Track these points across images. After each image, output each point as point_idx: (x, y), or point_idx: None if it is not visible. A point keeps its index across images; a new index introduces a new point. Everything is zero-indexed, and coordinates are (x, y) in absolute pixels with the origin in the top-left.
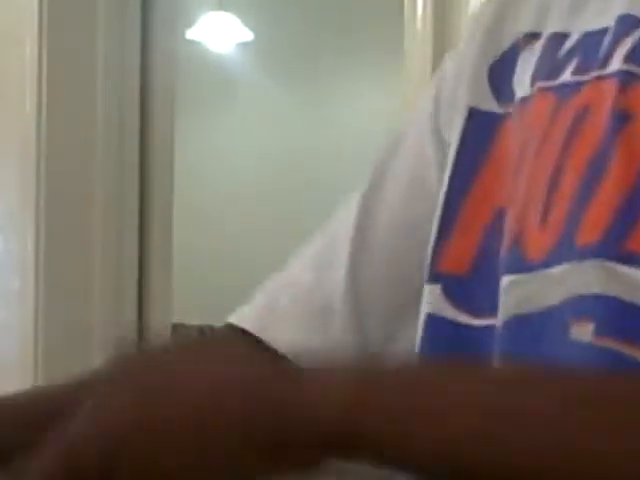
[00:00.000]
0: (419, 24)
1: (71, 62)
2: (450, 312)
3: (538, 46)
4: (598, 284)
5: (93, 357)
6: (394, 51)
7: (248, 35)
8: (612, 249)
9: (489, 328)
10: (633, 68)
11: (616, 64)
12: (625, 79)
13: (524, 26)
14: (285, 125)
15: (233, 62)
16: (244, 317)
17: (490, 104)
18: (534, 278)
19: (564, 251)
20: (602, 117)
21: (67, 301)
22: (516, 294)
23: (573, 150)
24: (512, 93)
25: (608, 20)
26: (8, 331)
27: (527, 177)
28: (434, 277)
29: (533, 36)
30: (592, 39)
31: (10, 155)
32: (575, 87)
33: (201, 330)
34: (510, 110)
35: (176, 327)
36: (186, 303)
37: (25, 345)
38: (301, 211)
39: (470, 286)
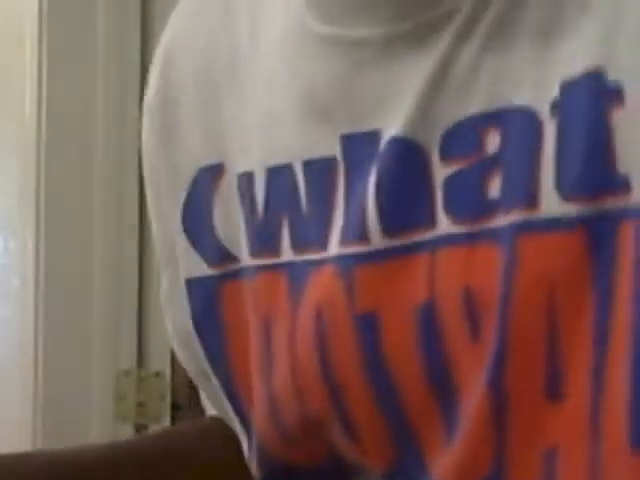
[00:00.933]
0: None
1: (71, 62)
2: None
3: (231, 189)
4: None
5: (93, 356)
6: None
7: None
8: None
9: None
10: (354, 249)
11: (334, 247)
12: (347, 267)
13: (199, 157)
14: None
15: None
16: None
17: (201, 267)
18: None
19: None
20: (343, 328)
21: (67, 300)
22: None
23: (331, 368)
24: (223, 250)
25: (286, 155)
26: (8, 329)
27: (286, 388)
28: None
29: (216, 169)
30: (281, 183)
31: (10, 155)
32: (301, 272)
33: None
34: (229, 270)
35: None
36: None
37: (25, 344)
38: None
39: None
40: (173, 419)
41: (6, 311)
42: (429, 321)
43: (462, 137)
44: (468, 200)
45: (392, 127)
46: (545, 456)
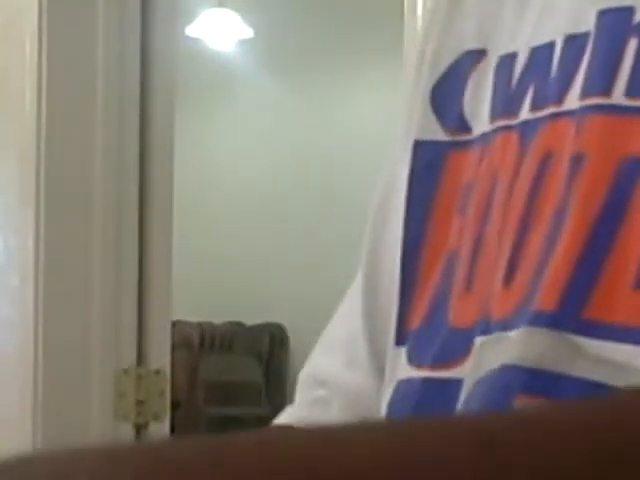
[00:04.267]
0: (419, 24)
1: (71, 62)
2: (408, 370)
3: (488, 69)
4: (552, 358)
5: (93, 354)
6: (394, 50)
7: (248, 32)
8: (568, 319)
9: (451, 381)
10: (588, 102)
11: (573, 100)
12: (580, 117)
13: (467, 41)
14: (285, 122)
15: (233, 59)
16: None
17: (435, 132)
18: (491, 340)
19: (523, 316)
20: (562, 164)
21: (67, 299)
22: (479, 356)
23: (537, 205)
24: (462, 120)
25: (552, 33)
26: (8, 328)
27: (494, 230)
28: (402, 340)
29: (479, 54)
30: (540, 57)
31: (10, 155)
32: (533, 126)
33: (201, 327)
34: (460, 139)
35: (176, 325)
36: (186, 302)
37: (25, 343)
38: (300, 208)
39: (421, 339)
40: (172, 417)
41: (6, 310)
42: (631, 174)
43: None
44: None
45: None
46: None
